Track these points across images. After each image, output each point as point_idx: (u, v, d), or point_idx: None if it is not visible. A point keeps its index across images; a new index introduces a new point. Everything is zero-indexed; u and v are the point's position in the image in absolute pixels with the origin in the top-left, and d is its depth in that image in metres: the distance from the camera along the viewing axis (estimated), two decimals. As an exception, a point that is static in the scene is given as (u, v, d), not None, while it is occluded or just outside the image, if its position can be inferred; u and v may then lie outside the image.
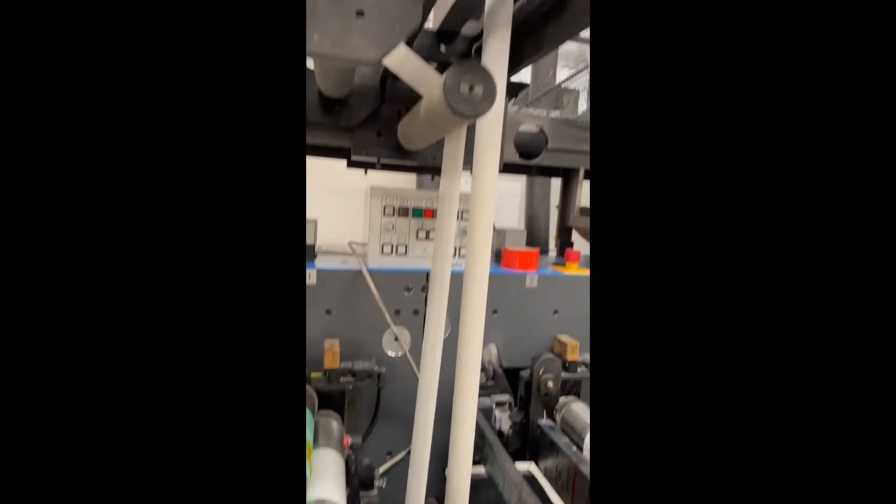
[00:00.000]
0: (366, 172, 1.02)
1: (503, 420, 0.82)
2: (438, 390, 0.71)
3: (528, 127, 0.88)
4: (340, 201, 2.10)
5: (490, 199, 0.59)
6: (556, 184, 1.46)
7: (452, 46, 0.72)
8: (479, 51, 0.70)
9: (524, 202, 1.58)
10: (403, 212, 0.89)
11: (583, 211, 1.28)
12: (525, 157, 0.89)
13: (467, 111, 0.44)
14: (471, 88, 0.43)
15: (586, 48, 0.98)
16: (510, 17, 0.53)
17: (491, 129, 0.55)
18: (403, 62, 0.56)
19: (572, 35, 0.53)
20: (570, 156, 0.92)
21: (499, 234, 1.12)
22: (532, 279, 0.92)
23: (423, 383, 0.70)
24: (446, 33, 0.71)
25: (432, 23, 0.71)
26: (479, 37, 0.71)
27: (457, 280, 0.62)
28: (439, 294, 0.66)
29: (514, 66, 0.63)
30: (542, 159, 0.90)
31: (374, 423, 0.83)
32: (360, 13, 0.37)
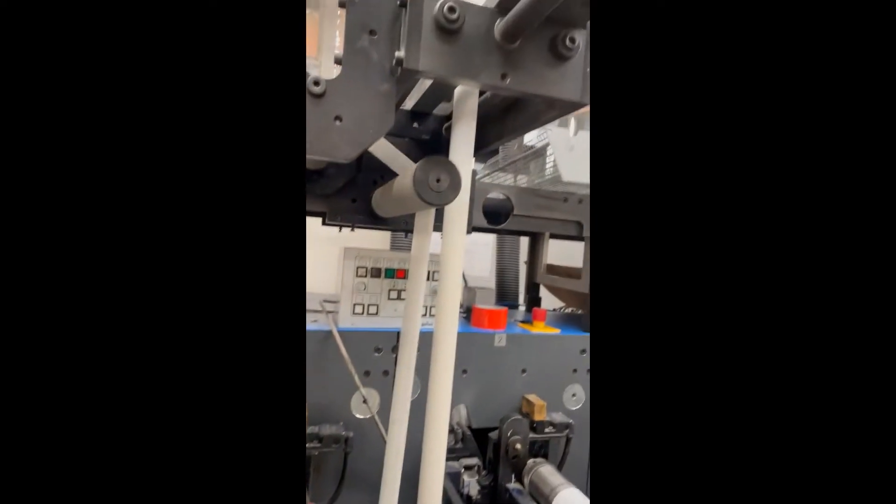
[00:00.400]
0: (340, 230, 1.05)
1: (471, 485, 0.81)
2: (407, 454, 0.71)
3: (495, 195, 0.94)
4: (315, 247, 2.10)
5: (457, 265, 0.62)
6: (525, 238, 1.53)
7: (425, 124, 0.78)
8: (448, 129, 0.76)
9: (495, 254, 1.64)
10: (376, 272, 0.91)
11: (549, 268, 1.34)
12: (492, 223, 0.95)
13: (435, 200, 0.48)
14: (438, 180, 0.47)
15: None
16: (475, 108, 0.59)
17: (459, 204, 0.60)
18: (377, 146, 0.61)
19: (530, 129, 0.60)
20: (535, 221, 0.98)
21: (469, 291, 1.15)
22: (501, 338, 0.95)
23: (390, 446, 0.70)
24: (419, 113, 0.77)
25: (408, 104, 0.77)
26: (449, 117, 0.77)
27: (427, 339, 0.64)
28: (408, 353, 0.68)
29: (480, 148, 0.69)
30: (509, 224, 0.96)
31: (340, 490, 0.81)
32: (338, 118, 0.42)
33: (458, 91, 0.60)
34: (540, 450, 0.89)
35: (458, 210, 0.59)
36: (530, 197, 0.96)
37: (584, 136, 0.87)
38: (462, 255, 0.63)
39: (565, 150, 0.84)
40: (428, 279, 0.93)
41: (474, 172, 0.90)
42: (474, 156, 0.70)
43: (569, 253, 1.43)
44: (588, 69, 0.46)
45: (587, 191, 0.99)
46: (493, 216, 0.96)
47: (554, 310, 1.50)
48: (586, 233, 1.00)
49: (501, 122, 0.64)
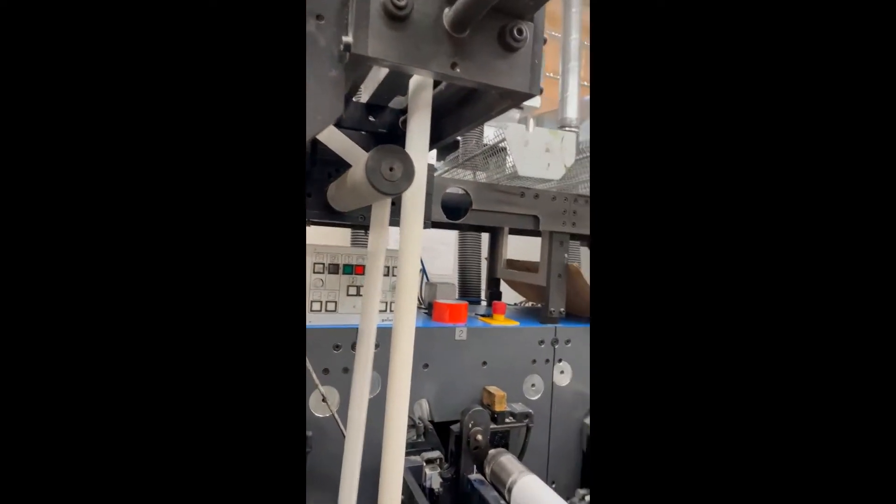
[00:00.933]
0: (297, 227, 1.03)
1: (433, 478, 0.81)
2: (369, 451, 0.70)
3: (454, 189, 0.95)
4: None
5: (415, 257, 0.62)
6: (486, 235, 1.55)
7: (381, 118, 0.78)
8: (405, 122, 0.76)
9: (457, 252, 1.65)
10: (334, 268, 0.90)
11: (509, 263, 1.36)
12: (452, 218, 0.95)
13: (388, 189, 0.47)
14: (391, 169, 0.47)
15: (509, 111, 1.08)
16: (430, 100, 0.59)
17: (415, 195, 0.59)
18: (330, 137, 0.60)
19: (485, 120, 0.60)
20: (494, 216, 0.99)
21: (431, 287, 1.16)
22: (461, 332, 0.96)
23: (349, 443, 0.69)
24: (375, 106, 0.77)
25: (363, 97, 0.76)
26: (405, 110, 0.77)
27: (389, 335, 0.63)
28: (366, 349, 0.67)
29: (436, 140, 0.69)
30: (468, 219, 0.97)
31: (299, 491, 0.78)
32: (285, 104, 0.41)
33: (412, 83, 0.60)
34: (501, 440, 0.90)
35: (415, 202, 0.59)
36: (488, 192, 0.97)
37: (540, 132, 0.89)
38: (419, 247, 0.62)
39: (521, 144, 0.86)
40: (388, 275, 0.93)
41: (432, 167, 0.90)
42: (432, 148, 0.70)
43: (526, 250, 1.46)
44: (537, 61, 0.47)
45: (543, 185, 1.02)
46: (452, 211, 0.96)
47: (514, 304, 1.53)
48: (542, 227, 1.02)
49: (457, 113, 0.64)
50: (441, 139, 0.69)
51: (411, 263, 0.62)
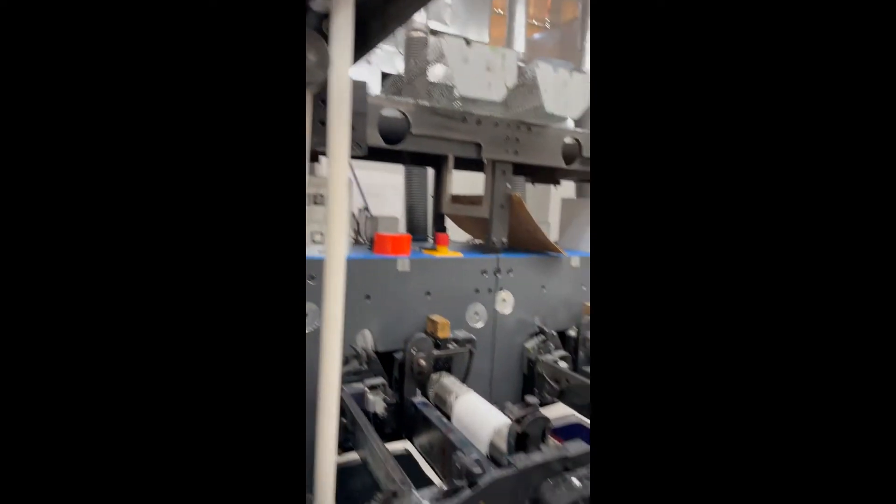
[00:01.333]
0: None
1: (377, 402, 0.82)
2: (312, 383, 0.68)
3: (390, 112, 0.89)
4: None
5: (343, 173, 0.58)
6: (432, 174, 1.50)
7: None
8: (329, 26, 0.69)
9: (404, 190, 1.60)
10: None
11: (454, 198, 1.34)
12: (389, 143, 0.90)
13: (300, 79, 0.42)
14: (303, 56, 0.42)
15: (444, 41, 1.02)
16: (353, -8, 0.53)
17: (339, 100, 0.54)
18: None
19: (411, 14, 0.55)
20: (436, 142, 0.95)
21: (372, 221, 1.12)
22: (404, 263, 0.94)
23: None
24: (296, 7, 0.68)
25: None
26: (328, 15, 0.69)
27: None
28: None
29: (365, 44, 0.63)
30: (408, 145, 0.92)
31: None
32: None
33: (332, -29, 0.53)
34: (444, 365, 0.92)
35: (339, 110, 0.54)
36: (428, 115, 0.92)
37: (480, 48, 0.84)
38: (347, 162, 0.58)
39: (460, 61, 0.81)
40: (320, 204, 0.88)
41: (364, 84, 0.83)
42: (362, 55, 0.64)
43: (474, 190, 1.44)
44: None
45: (486, 111, 0.98)
46: (389, 136, 0.91)
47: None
48: (485, 154, 1.00)
49: (383, 13, 0.59)
50: (369, 45, 0.63)
51: (340, 180, 0.58)
